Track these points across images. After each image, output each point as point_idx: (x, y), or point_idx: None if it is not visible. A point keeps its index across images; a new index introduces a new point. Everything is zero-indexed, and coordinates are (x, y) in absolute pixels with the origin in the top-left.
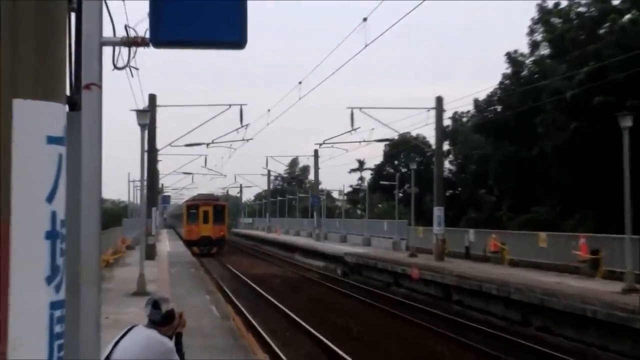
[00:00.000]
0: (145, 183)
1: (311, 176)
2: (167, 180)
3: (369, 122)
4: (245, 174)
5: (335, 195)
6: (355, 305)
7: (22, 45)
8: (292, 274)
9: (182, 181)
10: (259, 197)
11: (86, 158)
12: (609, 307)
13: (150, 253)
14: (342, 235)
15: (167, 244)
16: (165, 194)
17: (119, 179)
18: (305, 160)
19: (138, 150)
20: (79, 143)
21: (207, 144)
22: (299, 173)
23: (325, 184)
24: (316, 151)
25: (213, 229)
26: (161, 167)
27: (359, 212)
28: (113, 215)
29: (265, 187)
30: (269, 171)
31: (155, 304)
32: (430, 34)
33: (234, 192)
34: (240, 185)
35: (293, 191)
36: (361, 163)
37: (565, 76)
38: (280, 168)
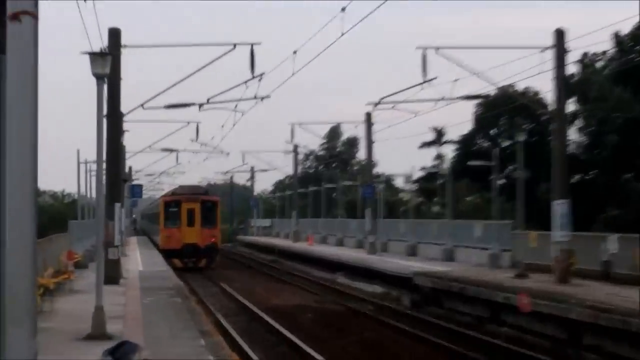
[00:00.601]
0: (103, 166)
1: (361, 154)
2: (138, 162)
3: (450, 70)
4: (258, 151)
5: (399, 183)
6: (433, 354)
7: None
8: (334, 306)
9: (160, 162)
10: (280, 186)
11: (13, 125)
12: None
13: (112, 273)
14: (409, 245)
15: (138, 259)
16: (135, 182)
17: (63, 161)
18: (352, 130)
19: (92, 116)
20: (2, 101)
21: (200, 105)
22: (342, 149)
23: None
24: (369, 115)
25: (201, 233)
26: (129, 141)
27: (435, 208)
28: (54, 216)
29: (290, 171)
30: (295, 147)
31: (118, 355)
32: None
33: (241, 180)
34: (252, 168)
35: (333, 177)
36: (439, 133)
37: None
38: (312, 142)
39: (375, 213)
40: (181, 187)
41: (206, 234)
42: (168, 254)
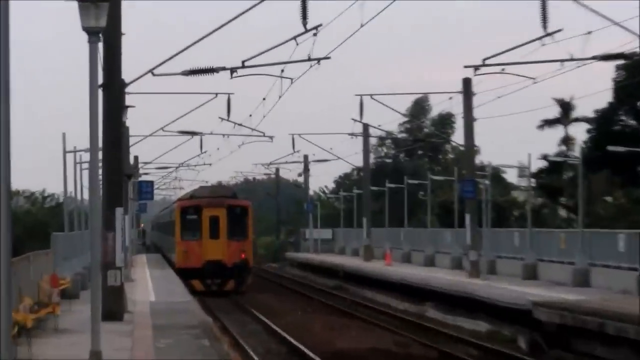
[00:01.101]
0: (99, 155)
1: (458, 137)
2: (148, 150)
3: (581, 20)
4: (314, 135)
5: (511, 177)
6: None
7: None
8: (422, 350)
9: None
10: (344, 182)
11: None
12: None
13: (113, 306)
14: (527, 265)
15: (148, 285)
16: (143, 178)
17: (43, 150)
18: (444, 104)
19: (84, 87)
20: None
21: (233, 71)
22: (430, 131)
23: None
24: (468, 82)
25: (228, 247)
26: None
27: (563, 213)
28: (32, 226)
29: (359, 162)
30: (365, 128)
31: None
32: None
33: (290, 174)
34: (305, 158)
35: (419, 169)
36: (566, 107)
37: None
38: (389, 121)
39: (479, 220)
40: (202, 188)
41: (234, 248)
42: (186, 274)
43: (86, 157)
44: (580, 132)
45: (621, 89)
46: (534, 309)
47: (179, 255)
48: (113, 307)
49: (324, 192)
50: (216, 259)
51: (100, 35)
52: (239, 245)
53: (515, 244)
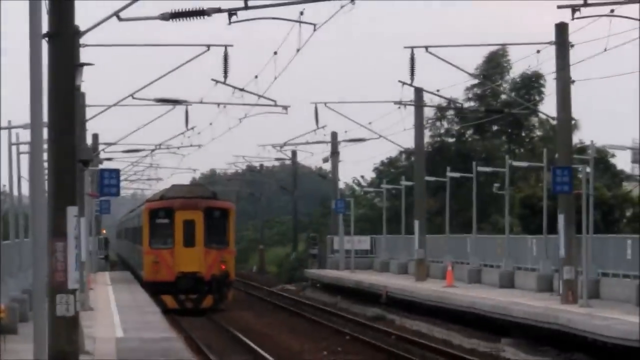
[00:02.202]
0: (43, 133)
1: (549, 106)
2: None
3: None
4: (345, 104)
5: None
6: None
7: None
8: None
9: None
10: (388, 171)
11: None
12: None
13: (64, 345)
14: None
15: (113, 315)
16: (105, 166)
17: None
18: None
19: (21, 41)
20: None
21: (232, 13)
22: (509, 97)
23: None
24: (562, 28)
25: (205, 258)
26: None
27: None
28: None
29: (409, 142)
30: (417, 92)
31: None
32: None
33: (313, 159)
34: (334, 136)
35: (493, 152)
36: None
37: None
38: (453, 84)
39: (578, 223)
40: (175, 186)
41: (213, 258)
42: (155, 289)
43: (26, 135)
44: None
45: None
46: None
47: (147, 267)
48: (64, 346)
49: (359, 184)
50: (191, 271)
51: None
52: (219, 254)
53: (627, 256)
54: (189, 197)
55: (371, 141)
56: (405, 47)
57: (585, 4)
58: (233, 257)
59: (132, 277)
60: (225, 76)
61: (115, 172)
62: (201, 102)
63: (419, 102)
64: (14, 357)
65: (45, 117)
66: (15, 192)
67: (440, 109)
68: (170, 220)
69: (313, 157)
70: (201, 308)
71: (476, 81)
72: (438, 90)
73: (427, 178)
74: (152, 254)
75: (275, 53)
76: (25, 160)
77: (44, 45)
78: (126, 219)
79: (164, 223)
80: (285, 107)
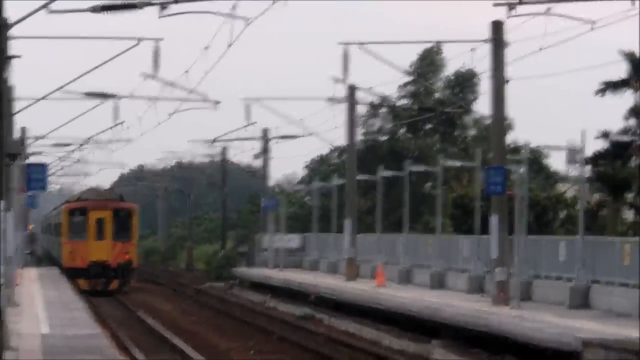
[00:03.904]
0: None
1: (482, 105)
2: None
3: None
4: (277, 100)
5: (556, 163)
6: None
7: None
8: None
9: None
10: (319, 170)
11: None
12: None
13: None
14: (576, 289)
15: (39, 311)
16: (32, 160)
17: None
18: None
19: None
20: None
21: (163, 6)
22: (443, 96)
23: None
24: (498, 27)
25: (112, 249)
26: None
27: (629, 215)
28: None
29: (341, 141)
30: (350, 90)
31: None
32: None
33: (244, 156)
34: (264, 133)
35: (426, 151)
36: (636, 64)
37: None
38: (386, 81)
39: (510, 224)
40: (90, 190)
41: (119, 249)
42: (72, 273)
43: None
44: None
45: None
46: (585, 351)
47: (66, 256)
48: None
49: (290, 182)
50: (101, 260)
51: None
52: (124, 246)
53: (560, 258)
54: (100, 200)
55: (303, 138)
56: (339, 44)
57: (521, 2)
58: (135, 249)
59: (58, 273)
60: (156, 70)
61: (43, 167)
62: (131, 97)
63: (351, 100)
64: None
65: None
66: None
67: (373, 107)
68: (85, 218)
69: (244, 154)
70: (108, 290)
71: (410, 79)
72: (371, 88)
73: (359, 176)
74: (70, 245)
75: (207, 48)
76: None
77: None
78: (50, 216)
79: (79, 220)
80: (215, 103)
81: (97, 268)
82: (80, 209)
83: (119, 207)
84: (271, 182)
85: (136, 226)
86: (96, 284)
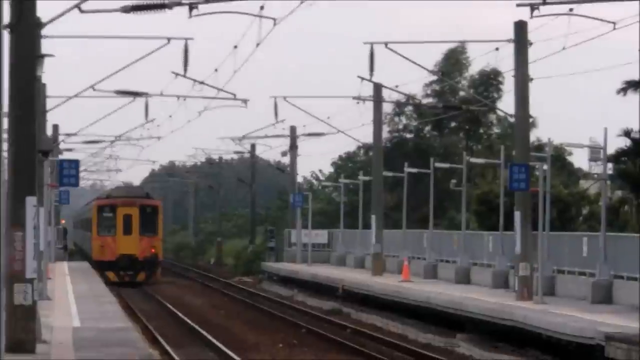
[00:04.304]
0: (3, 122)
1: (507, 103)
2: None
3: None
4: (303, 97)
5: (579, 161)
6: None
7: None
8: None
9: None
10: (346, 166)
11: None
12: None
13: (22, 334)
14: (598, 284)
15: (71, 305)
16: (64, 157)
17: None
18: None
19: None
20: None
21: (192, 6)
22: (467, 94)
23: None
24: (521, 26)
25: (140, 243)
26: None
27: None
28: None
29: (368, 138)
30: (376, 88)
31: None
32: None
33: (272, 153)
34: (292, 130)
35: (451, 148)
36: None
37: None
38: (412, 80)
39: (534, 220)
40: (117, 188)
41: (145, 243)
42: (101, 266)
43: None
44: None
45: None
46: (607, 345)
47: (95, 249)
48: (21, 334)
49: (317, 178)
50: (129, 253)
51: None
52: (150, 241)
53: (583, 253)
54: (128, 197)
55: (330, 136)
56: (364, 43)
57: (544, 3)
58: (160, 243)
59: (89, 267)
60: (185, 69)
61: (75, 163)
62: (161, 95)
63: (377, 98)
64: None
65: (5, 107)
66: None
67: (399, 105)
68: (114, 214)
69: (272, 151)
70: (136, 282)
71: (435, 78)
72: (397, 86)
73: (385, 173)
74: (99, 239)
75: (235, 47)
76: None
77: (5, 36)
78: (81, 212)
79: (108, 216)
80: (244, 101)
81: (125, 261)
82: (110, 206)
83: (145, 204)
84: (299, 178)
85: (161, 221)
86: (124, 276)
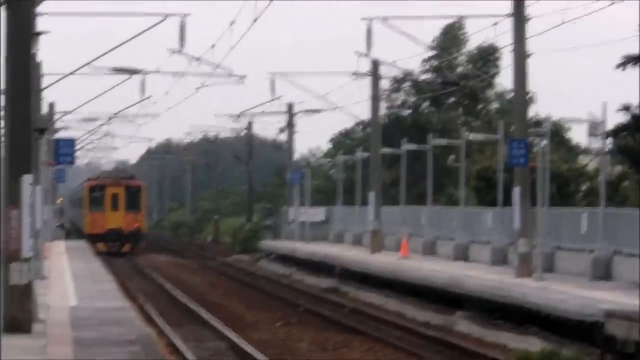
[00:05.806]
0: None
1: (505, 78)
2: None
3: None
4: (302, 74)
5: (577, 136)
6: None
7: None
8: None
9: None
10: (343, 143)
11: None
12: None
13: (18, 313)
14: (597, 260)
15: (67, 284)
16: (61, 135)
17: None
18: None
19: None
20: None
21: None
22: (465, 69)
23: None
24: (519, 0)
25: (125, 218)
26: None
27: None
28: None
29: (365, 115)
30: (374, 64)
31: None
32: None
33: (269, 130)
34: (289, 107)
35: (449, 125)
36: None
37: None
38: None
39: (533, 196)
40: (106, 172)
41: (130, 218)
42: (93, 239)
43: None
44: None
45: None
46: (607, 322)
47: (87, 224)
48: (17, 314)
49: (315, 155)
50: (116, 227)
51: None
52: (134, 216)
53: (582, 229)
54: (116, 178)
55: (327, 112)
56: (362, 19)
57: None
58: (144, 219)
59: (86, 246)
60: (182, 46)
61: (71, 142)
62: (157, 72)
63: (375, 74)
64: None
65: (1, 85)
66: None
67: (397, 81)
68: (103, 193)
69: (269, 128)
70: (122, 252)
71: (433, 53)
72: (394, 62)
73: (383, 150)
74: (90, 215)
75: (232, 23)
76: None
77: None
78: (75, 191)
79: (98, 195)
80: (242, 77)
81: (113, 234)
82: (99, 186)
83: (130, 185)
84: (296, 155)
85: (144, 200)
86: (112, 247)
